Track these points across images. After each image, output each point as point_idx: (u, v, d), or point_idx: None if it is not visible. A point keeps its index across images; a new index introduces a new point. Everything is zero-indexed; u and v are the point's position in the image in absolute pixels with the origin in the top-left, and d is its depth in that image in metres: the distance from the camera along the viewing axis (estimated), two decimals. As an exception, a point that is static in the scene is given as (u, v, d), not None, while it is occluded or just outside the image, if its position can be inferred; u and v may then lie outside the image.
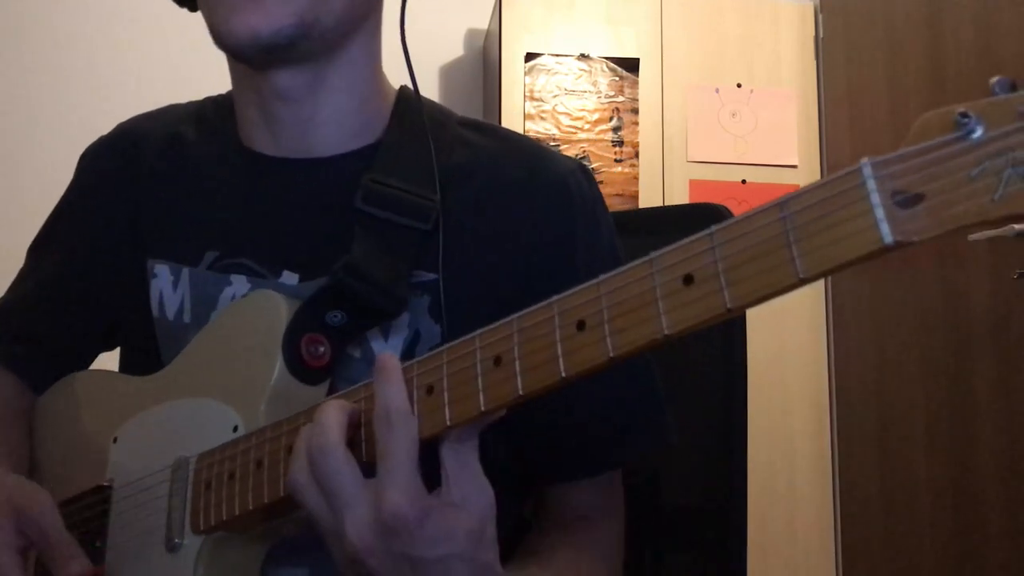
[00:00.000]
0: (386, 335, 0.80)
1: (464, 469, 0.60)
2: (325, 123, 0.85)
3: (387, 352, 0.62)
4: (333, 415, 0.60)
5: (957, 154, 0.38)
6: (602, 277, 0.53)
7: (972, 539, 2.21)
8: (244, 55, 0.78)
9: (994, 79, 0.37)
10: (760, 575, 2.60)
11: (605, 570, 0.82)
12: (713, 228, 0.47)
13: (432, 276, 0.80)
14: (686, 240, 0.49)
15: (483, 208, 0.83)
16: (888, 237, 0.40)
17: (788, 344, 2.74)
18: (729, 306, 0.46)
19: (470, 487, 0.59)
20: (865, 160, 0.40)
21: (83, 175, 0.97)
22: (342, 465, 0.59)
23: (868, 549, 2.58)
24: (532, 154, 0.87)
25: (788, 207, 0.44)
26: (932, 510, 2.34)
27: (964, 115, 0.38)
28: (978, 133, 0.38)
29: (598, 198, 0.87)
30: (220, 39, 0.77)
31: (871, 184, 0.41)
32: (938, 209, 0.39)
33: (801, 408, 2.74)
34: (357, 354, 0.80)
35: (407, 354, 0.80)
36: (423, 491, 0.58)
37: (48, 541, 0.74)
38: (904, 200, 0.40)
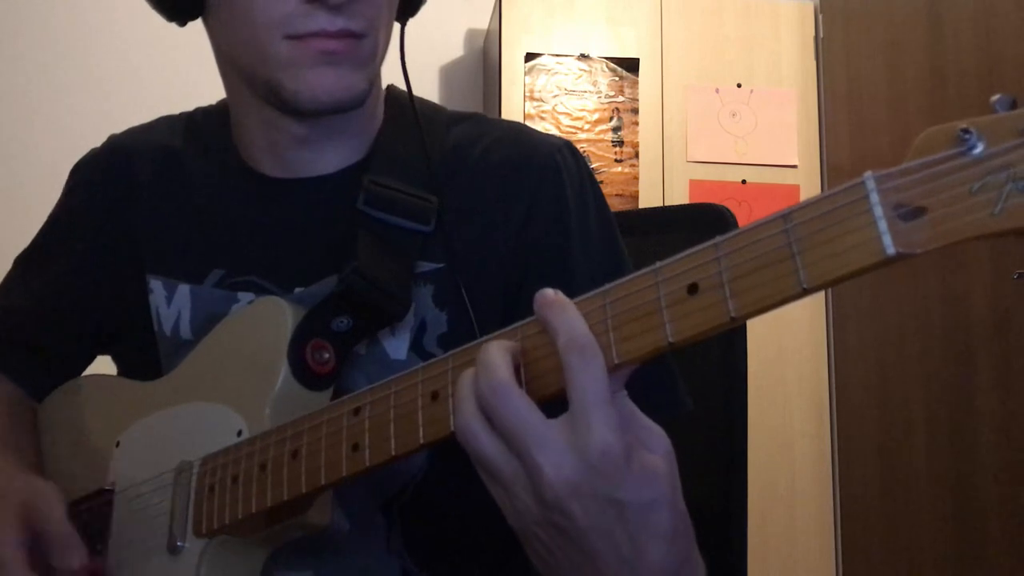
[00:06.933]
0: (393, 328, 0.81)
1: (633, 417, 0.55)
2: (331, 152, 0.87)
3: (548, 291, 0.54)
4: (497, 353, 0.54)
5: (958, 169, 0.39)
6: (608, 286, 0.53)
7: (972, 539, 2.21)
8: (314, 113, 0.80)
9: (995, 97, 0.38)
10: (760, 575, 2.60)
11: None
12: (718, 239, 0.48)
13: (434, 266, 0.82)
14: (691, 250, 0.50)
15: (478, 195, 0.84)
16: (891, 248, 0.41)
17: (788, 344, 2.74)
18: (733, 315, 0.47)
19: (647, 432, 0.54)
20: (868, 173, 0.41)
21: (76, 190, 0.97)
22: (521, 404, 0.52)
23: (868, 549, 2.59)
24: (519, 137, 0.89)
25: (792, 219, 0.45)
26: (932, 510, 2.35)
27: (966, 131, 0.38)
28: (979, 149, 0.39)
29: (585, 171, 0.88)
30: (295, 100, 0.78)
31: (874, 197, 0.41)
32: (939, 222, 0.40)
33: (801, 408, 2.74)
34: (363, 351, 0.81)
35: (415, 344, 0.82)
36: (623, 427, 0.52)
37: (49, 532, 0.73)
38: (906, 213, 0.41)
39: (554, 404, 0.53)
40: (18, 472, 0.82)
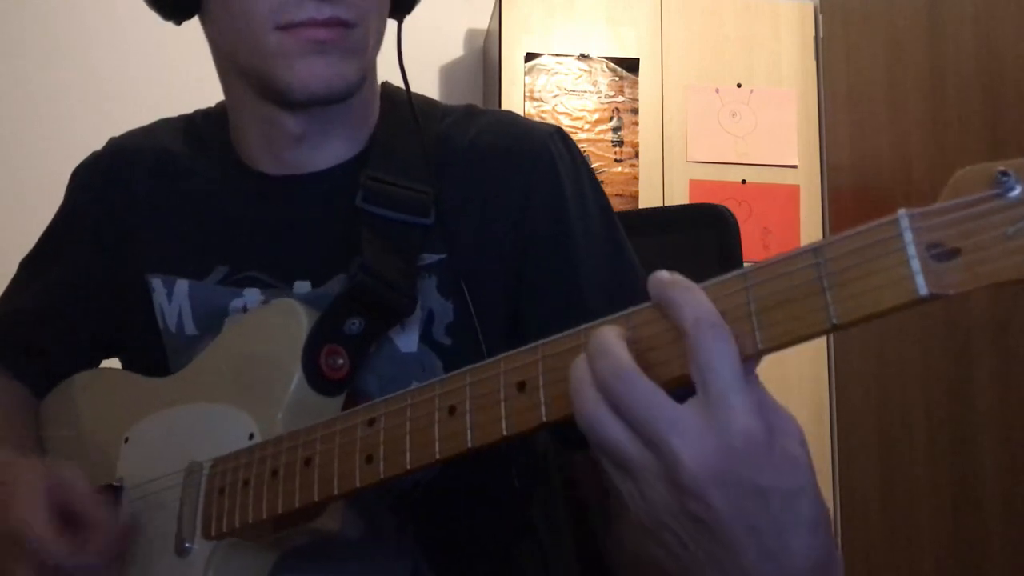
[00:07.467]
0: (403, 322, 0.82)
1: (766, 400, 0.51)
2: (328, 147, 0.87)
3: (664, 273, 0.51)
4: (614, 339, 0.51)
5: (994, 211, 0.39)
6: (632, 310, 0.53)
7: (972, 539, 2.22)
8: (305, 104, 0.81)
9: (1035, 141, 0.38)
10: (761, 574, 2.60)
11: None
12: (747, 269, 0.48)
13: (437, 257, 0.83)
14: (719, 279, 0.49)
15: (472, 184, 0.85)
16: (924, 289, 0.41)
17: (788, 344, 2.74)
18: (760, 348, 0.47)
19: (779, 417, 0.50)
20: (902, 211, 0.41)
21: (76, 193, 0.98)
22: (649, 389, 0.49)
23: (868, 549, 2.60)
24: (511, 126, 0.90)
25: (823, 253, 0.45)
26: (932, 511, 2.35)
27: (1003, 173, 0.38)
28: (1016, 191, 0.38)
29: (578, 157, 0.89)
30: (289, 90, 0.79)
31: (908, 236, 0.41)
32: (974, 265, 0.39)
33: (801, 408, 2.74)
34: (373, 349, 0.81)
35: (424, 336, 0.83)
36: (762, 410, 0.49)
37: (77, 500, 0.75)
38: (940, 254, 0.40)
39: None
40: (30, 458, 0.82)
